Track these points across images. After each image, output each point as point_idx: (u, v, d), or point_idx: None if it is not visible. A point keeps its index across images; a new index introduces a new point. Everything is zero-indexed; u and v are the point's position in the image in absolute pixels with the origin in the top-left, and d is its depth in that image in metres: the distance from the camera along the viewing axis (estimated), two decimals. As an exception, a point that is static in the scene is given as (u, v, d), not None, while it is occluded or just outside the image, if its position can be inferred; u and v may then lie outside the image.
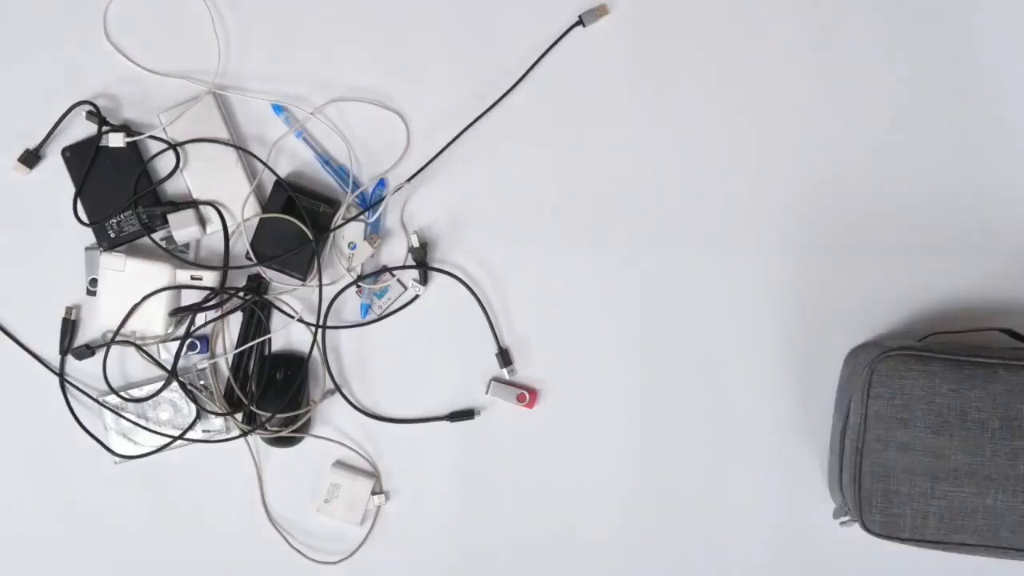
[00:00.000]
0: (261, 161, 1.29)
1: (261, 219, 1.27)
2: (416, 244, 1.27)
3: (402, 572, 1.30)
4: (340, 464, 1.30)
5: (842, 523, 1.22)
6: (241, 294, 1.27)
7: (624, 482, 1.28)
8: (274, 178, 1.28)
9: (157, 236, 1.28)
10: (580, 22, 1.28)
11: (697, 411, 1.28)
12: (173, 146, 1.27)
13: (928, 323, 1.27)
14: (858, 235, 1.27)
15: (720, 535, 1.28)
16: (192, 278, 1.26)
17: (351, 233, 1.28)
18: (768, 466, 1.28)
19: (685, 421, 1.28)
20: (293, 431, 1.27)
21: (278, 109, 1.29)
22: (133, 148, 1.28)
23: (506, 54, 1.29)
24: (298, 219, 1.26)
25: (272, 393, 1.27)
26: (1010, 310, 1.27)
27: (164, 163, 1.29)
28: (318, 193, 1.28)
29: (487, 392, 1.28)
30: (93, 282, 1.29)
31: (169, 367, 1.26)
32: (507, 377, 1.28)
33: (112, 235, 1.28)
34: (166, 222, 1.28)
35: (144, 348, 1.27)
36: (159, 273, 1.26)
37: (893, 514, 1.13)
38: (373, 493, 1.29)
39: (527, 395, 1.27)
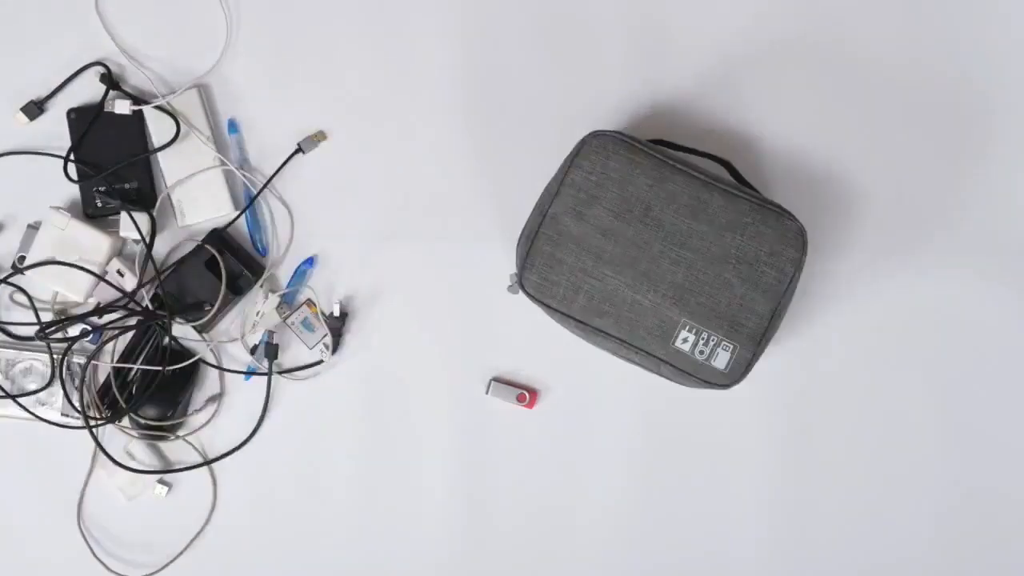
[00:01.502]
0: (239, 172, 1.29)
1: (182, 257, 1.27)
2: (336, 314, 1.27)
3: (402, 572, 1.27)
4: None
5: (509, 287, 1.19)
6: (146, 310, 1.24)
7: (624, 482, 1.28)
8: (247, 182, 1.28)
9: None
10: (299, 150, 1.29)
11: (698, 410, 1.28)
12: (175, 118, 1.26)
13: (661, 131, 1.29)
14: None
15: (719, 536, 1.28)
16: (118, 272, 1.25)
17: (261, 303, 1.27)
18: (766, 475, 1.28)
19: (685, 420, 1.28)
20: (163, 431, 1.25)
21: (232, 128, 1.29)
22: (138, 122, 1.28)
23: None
24: (217, 273, 1.25)
25: (156, 387, 1.24)
26: (736, 144, 1.29)
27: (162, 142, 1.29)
28: (246, 254, 1.27)
29: (487, 392, 1.28)
30: (21, 259, 1.27)
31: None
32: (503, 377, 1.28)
33: (99, 204, 1.28)
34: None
35: (27, 292, 1.26)
36: (97, 245, 1.24)
37: (550, 280, 1.15)
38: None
39: (527, 395, 1.27)
